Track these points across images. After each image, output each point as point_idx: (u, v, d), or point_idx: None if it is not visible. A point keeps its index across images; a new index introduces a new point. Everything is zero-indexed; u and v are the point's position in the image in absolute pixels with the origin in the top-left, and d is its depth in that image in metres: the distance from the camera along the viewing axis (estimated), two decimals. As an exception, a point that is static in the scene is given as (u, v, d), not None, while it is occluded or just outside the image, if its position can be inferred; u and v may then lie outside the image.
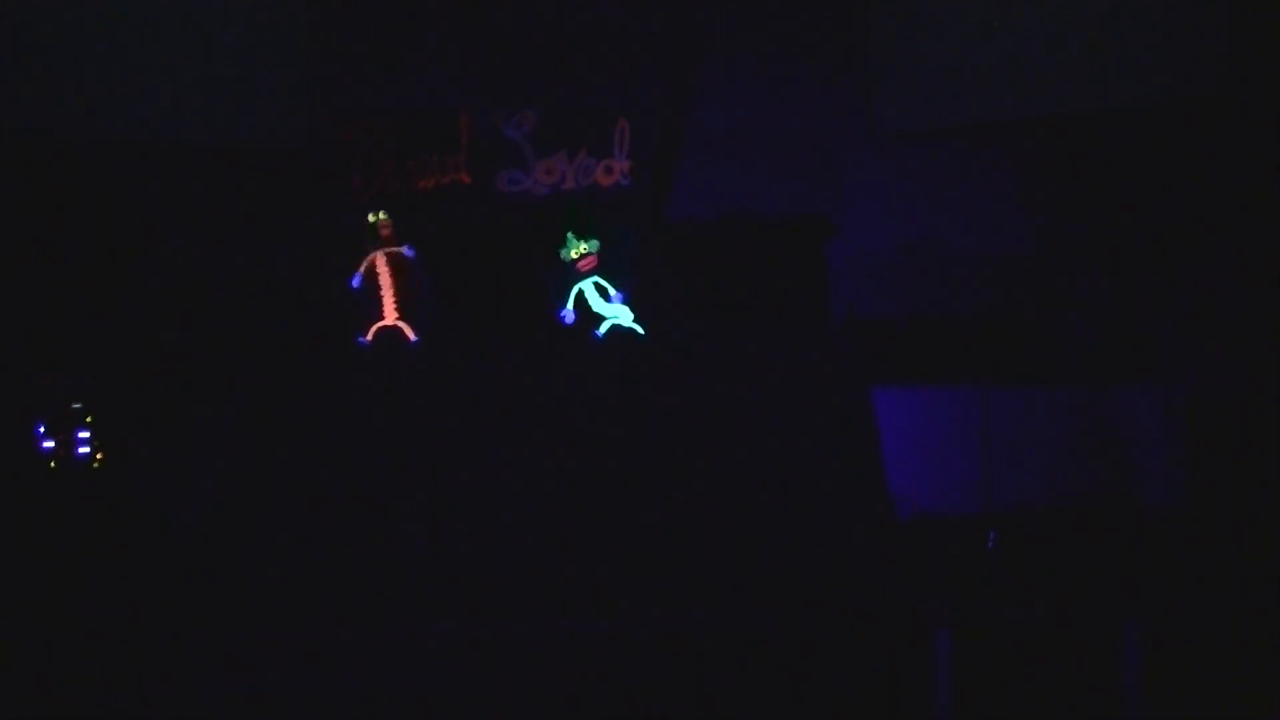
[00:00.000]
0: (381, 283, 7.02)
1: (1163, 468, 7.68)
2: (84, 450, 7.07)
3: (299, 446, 6.56)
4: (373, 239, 7.08)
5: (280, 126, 8.76)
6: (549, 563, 6.29)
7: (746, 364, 6.79)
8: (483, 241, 7.50)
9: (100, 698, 5.36)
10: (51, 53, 8.29)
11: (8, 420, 7.08)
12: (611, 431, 6.57)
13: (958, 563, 6.29)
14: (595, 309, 6.96)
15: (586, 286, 7.00)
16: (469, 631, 5.90)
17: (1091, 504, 7.49)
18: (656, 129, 7.55)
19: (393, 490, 6.47)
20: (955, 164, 9.01)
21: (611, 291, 6.97)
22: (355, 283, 7.04)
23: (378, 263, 7.05)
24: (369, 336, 7.05)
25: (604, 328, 6.97)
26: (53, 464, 7.01)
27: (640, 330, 6.95)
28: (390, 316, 7.04)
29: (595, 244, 7.00)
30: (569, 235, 7.01)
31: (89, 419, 7.12)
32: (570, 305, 6.99)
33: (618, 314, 6.97)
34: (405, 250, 7.05)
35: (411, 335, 7.06)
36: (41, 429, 7.04)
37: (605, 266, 7.01)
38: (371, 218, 7.07)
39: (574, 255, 6.99)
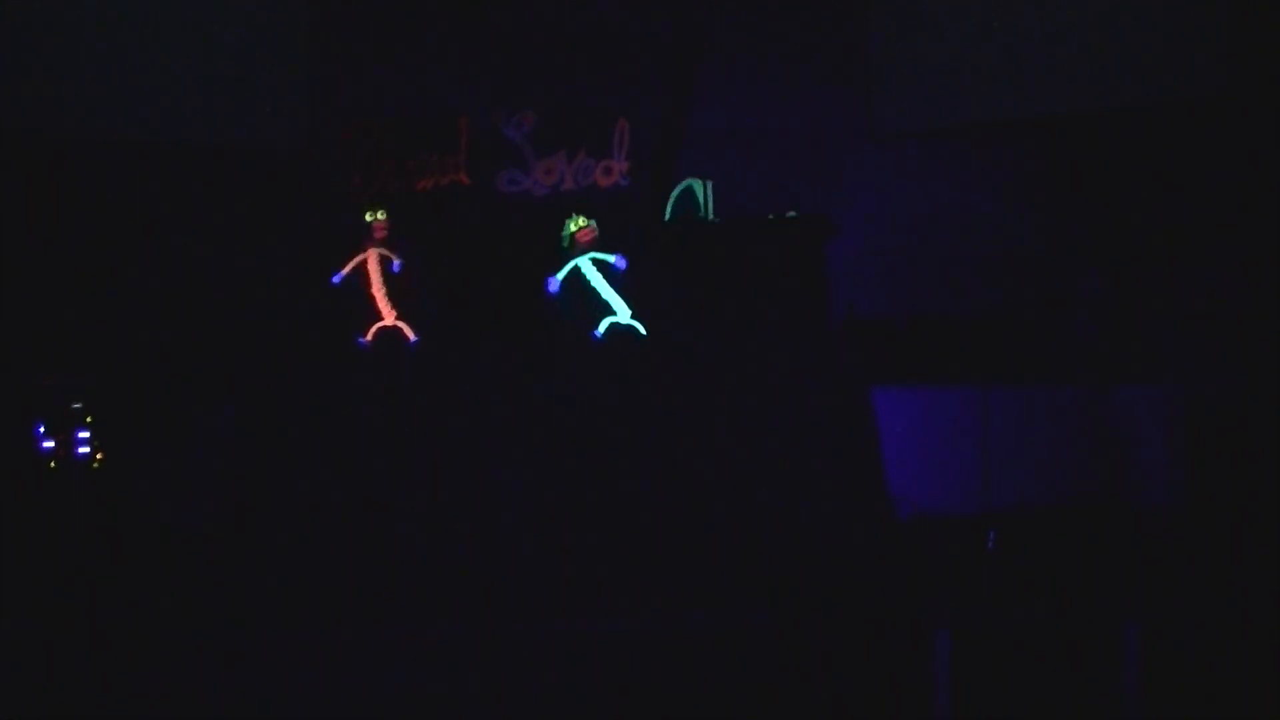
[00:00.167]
0: (372, 281, 7.00)
1: (1163, 468, 7.68)
2: (84, 450, 7.07)
3: (299, 446, 6.55)
4: (367, 236, 7.05)
5: (280, 126, 8.77)
6: (549, 563, 6.29)
7: (746, 364, 6.79)
8: (483, 241, 7.50)
9: (100, 698, 5.36)
10: (51, 53, 8.29)
11: (8, 420, 7.08)
12: (611, 431, 6.57)
13: (958, 563, 6.28)
14: (593, 284, 6.94)
15: (584, 262, 6.98)
16: (469, 632, 5.90)
17: (1092, 504, 7.49)
18: (656, 129, 7.54)
19: (393, 490, 6.46)
20: (955, 164, 9.01)
21: (612, 259, 6.96)
22: (336, 279, 6.99)
23: (369, 261, 7.02)
24: (369, 336, 7.05)
25: (603, 327, 6.97)
26: (53, 464, 7.01)
27: (640, 328, 6.95)
28: (389, 316, 7.04)
29: (593, 221, 7.03)
30: (573, 213, 7.06)
31: (89, 419, 7.12)
32: (560, 277, 6.97)
33: (614, 302, 6.96)
34: (394, 264, 7.01)
35: (411, 335, 7.06)
36: (41, 429, 7.04)
37: (605, 241, 7.03)
38: (369, 215, 7.04)
39: (572, 229, 7.00)
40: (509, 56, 8.80)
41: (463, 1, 8.91)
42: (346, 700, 5.45)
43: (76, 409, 7.12)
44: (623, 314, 6.98)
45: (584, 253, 6.96)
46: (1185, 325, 8.25)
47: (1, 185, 8.10)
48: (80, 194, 8.32)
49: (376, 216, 7.03)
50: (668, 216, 7.61)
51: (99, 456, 7.12)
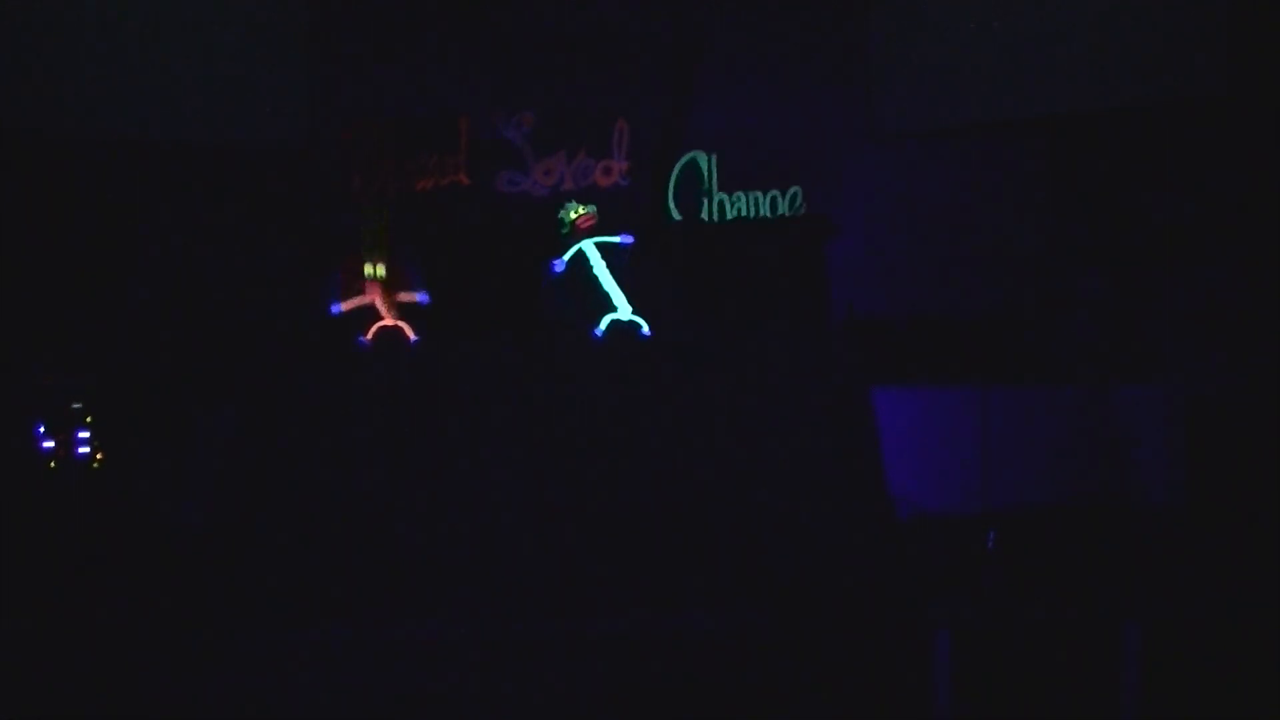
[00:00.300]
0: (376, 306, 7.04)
1: (1163, 468, 7.67)
2: (84, 450, 7.07)
3: (299, 446, 6.55)
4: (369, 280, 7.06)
5: (280, 126, 8.77)
6: (549, 563, 6.29)
7: (746, 364, 6.79)
8: (482, 242, 7.50)
9: (100, 698, 5.36)
10: (51, 53, 8.29)
11: (8, 420, 7.07)
12: (611, 431, 6.57)
13: (958, 563, 6.28)
14: (596, 272, 6.96)
15: (587, 246, 6.99)
16: (469, 632, 5.90)
17: (1091, 504, 7.48)
18: (656, 129, 7.54)
19: (393, 490, 6.46)
20: (955, 164, 9.00)
21: (617, 239, 6.98)
22: (336, 310, 7.00)
23: (375, 298, 7.04)
24: (369, 336, 7.06)
25: (604, 324, 6.98)
26: (53, 464, 7.01)
27: (642, 323, 6.96)
28: (389, 316, 7.05)
29: (594, 206, 7.04)
30: (571, 200, 7.07)
31: (89, 419, 7.12)
32: (566, 259, 6.98)
33: (615, 296, 6.96)
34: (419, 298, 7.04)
35: (411, 335, 7.07)
36: (41, 429, 7.04)
37: (606, 226, 7.04)
38: (369, 270, 7.01)
39: (573, 216, 7.02)
40: (509, 56, 8.80)
41: (463, 1, 8.90)
42: (347, 700, 5.45)
43: (76, 409, 7.11)
44: (624, 310, 6.98)
45: (586, 237, 6.99)
46: (1185, 325, 8.25)
47: (1, 185, 8.10)
48: (80, 194, 8.32)
49: (379, 274, 7.00)
50: (671, 192, 7.55)
51: (99, 456, 7.12)
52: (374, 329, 7.05)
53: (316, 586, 6.17)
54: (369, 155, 7.54)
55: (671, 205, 7.46)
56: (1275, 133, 8.04)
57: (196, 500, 6.89)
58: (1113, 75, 8.45)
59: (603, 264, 6.97)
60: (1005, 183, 8.87)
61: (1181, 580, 6.11)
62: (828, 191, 7.96)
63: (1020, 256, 8.76)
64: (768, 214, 7.49)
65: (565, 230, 7.04)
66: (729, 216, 7.50)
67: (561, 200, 7.36)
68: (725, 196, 7.50)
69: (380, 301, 6.98)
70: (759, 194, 7.50)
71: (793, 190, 7.51)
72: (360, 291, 6.98)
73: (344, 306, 6.98)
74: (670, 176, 7.49)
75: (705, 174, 7.53)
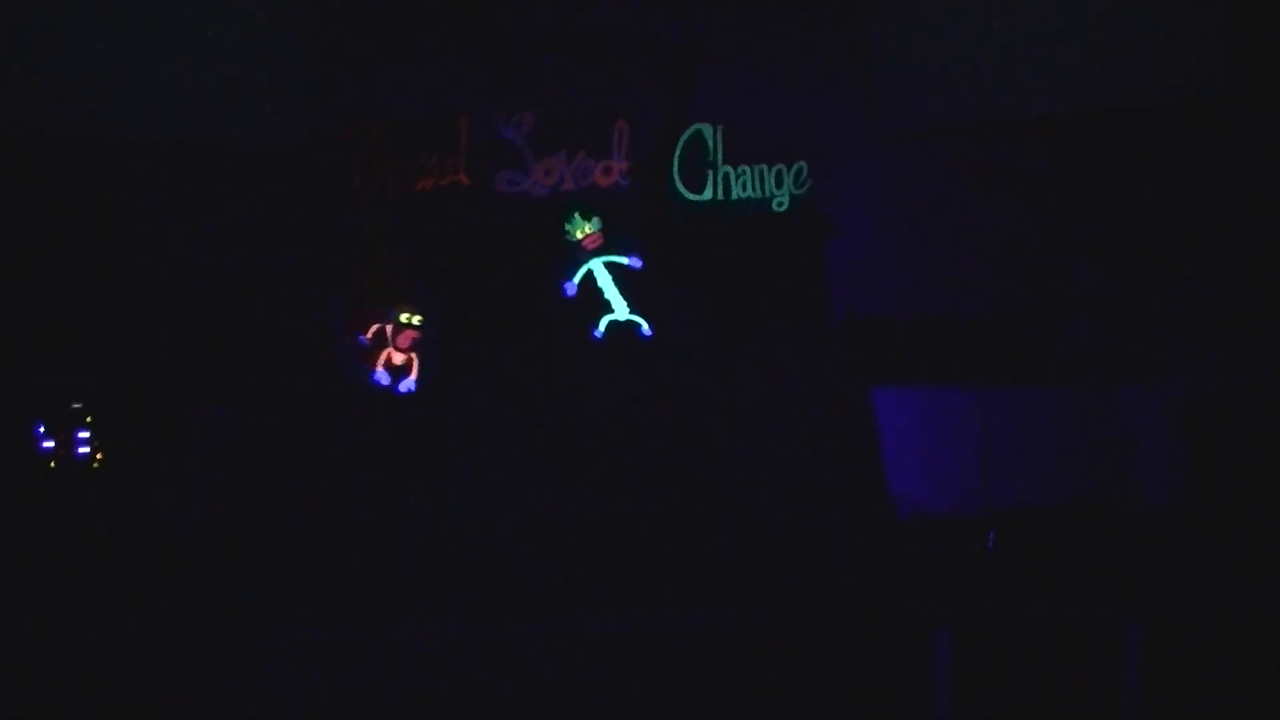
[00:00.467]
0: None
1: (1163, 468, 7.67)
2: (84, 450, 7.07)
3: (299, 446, 6.56)
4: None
5: (280, 127, 8.76)
6: (549, 563, 6.29)
7: (746, 363, 6.80)
8: (482, 242, 7.50)
9: (100, 698, 5.36)
10: (52, 53, 8.28)
11: (8, 420, 7.07)
12: (611, 431, 6.58)
13: (958, 563, 6.28)
14: (603, 288, 6.99)
15: (596, 266, 7.03)
16: (469, 631, 5.89)
17: (1092, 504, 7.48)
18: (656, 129, 7.54)
19: (392, 490, 6.46)
20: (955, 164, 9.00)
21: (626, 260, 7.02)
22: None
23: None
24: (369, 336, 7.06)
25: (603, 325, 6.98)
26: (53, 464, 7.01)
27: (641, 322, 6.97)
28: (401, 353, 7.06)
29: (598, 223, 7.06)
30: (574, 215, 7.07)
31: (89, 419, 7.12)
32: (576, 280, 7.02)
33: (617, 305, 6.99)
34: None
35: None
36: (41, 429, 7.03)
37: (612, 242, 7.05)
38: (405, 319, 7.03)
39: (579, 235, 7.04)
40: (509, 56, 8.80)
41: (463, 1, 8.90)
42: (347, 700, 5.45)
43: (76, 409, 7.11)
44: (621, 311, 6.99)
45: (593, 257, 7.03)
46: (1185, 325, 8.25)
47: (1, 185, 8.09)
48: (80, 194, 8.31)
49: (412, 323, 7.02)
50: (676, 165, 7.48)
51: (99, 456, 7.11)
52: (374, 329, 7.05)
53: (316, 586, 6.18)
54: (369, 155, 7.54)
55: (677, 180, 7.39)
56: (1275, 133, 8.04)
57: (196, 501, 6.89)
58: (1113, 75, 8.45)
59: (610, 281, 7.02)
60: (1005, 183, 8.87)
61: (1181, 580, 6.11)
62: (828, 191, 7.94)
63: (1020, 256, 8.76)
64: (774, 188, 7.42)
65: (570, 241, 7.07)
66: (734, 193, 7.44)
67: (562, 200, 7.35)
68: (730, 169, 7.44)
69: (405, 345, 7.01)
70: (764, 167, 7.44)
71: (798, 165, 7.44)
72: (370, 315, 7.00)
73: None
74: (675, 151, 7.43)
75: (710, 145, 7.47)
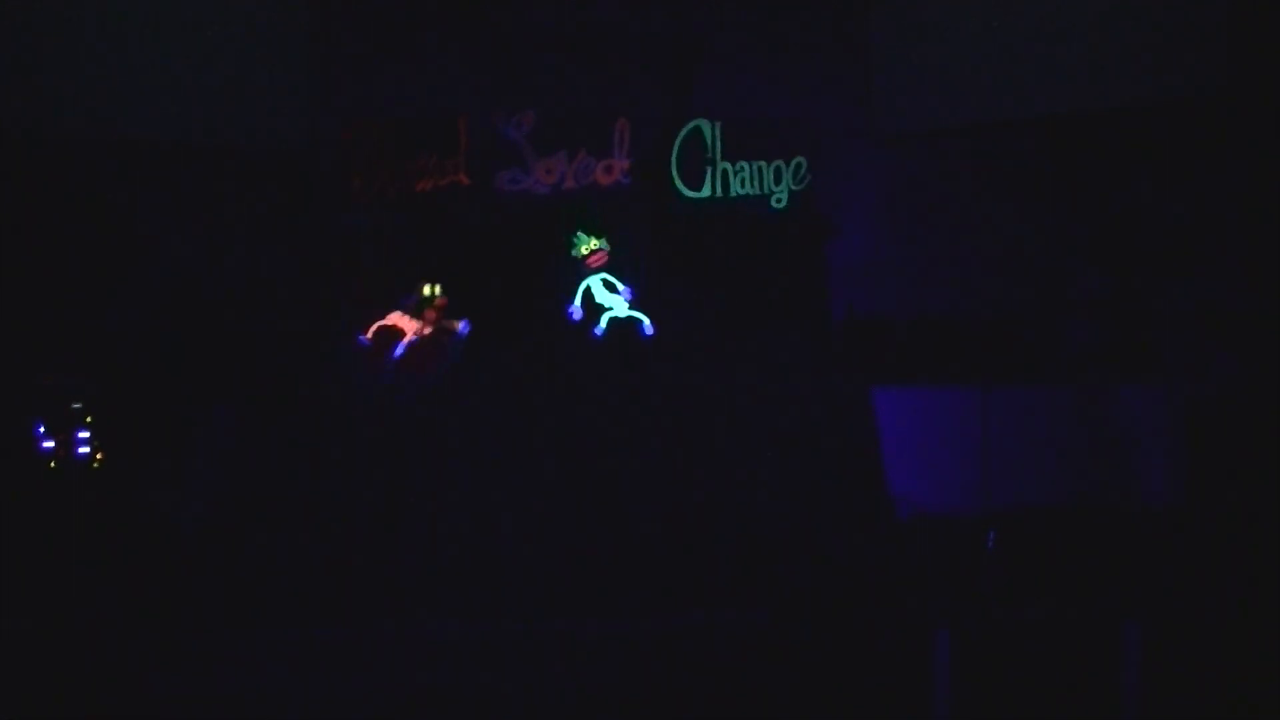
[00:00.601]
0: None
1: (1163, 468, 7.67)
2: (84, 450, 7.07)
3: (299, 446, 6.56)
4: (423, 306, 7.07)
5: (280, 127, 8.76)
6: (549, 563, 6.29)
7: (746, 363, 6.80)
8: (483, 241, 7.50)
9: (100, 698, 5.36)
10: (53, 54, 8.28)
11: (8, 420, 7.07)
12: (611, 431, 6.58)
13: (958, 563, 6.28)
14: (599, 301, 7.02)
15: (594, 283, 7.06)
16: (469, 631, 5.90)
17: (1091, 504, 7.48)
18: (656, 129, 7.54)
19: (393, 490, 6.47)
20: (955, 164, 9.00)
21: (620, 286, 7.04)
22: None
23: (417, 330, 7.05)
24: (369, 336, 7.06)
25: (603, 321, 6.99)
26: (53, 464, 7.01)
27: (643, 318, 6.98)
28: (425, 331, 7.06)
29: (604, 241, 7.08)
30: (579, 233, 7.08)
31: (89, 419, 7.12)
32: (579, 302, 7.05)
33: (615, 305, 7.01)
34: (460, 327, 7.07)
35: (410, 335, 7.07)
36: (41, 429, 7.03)
37: (614, 264, 7.07)
38: (428, 290, 7.04)
39: (584, 251, 7.06)
40: (509, 56, 8.80)
41: (463, 1, 8.90)
42: (347, 699, 5.45)
43: (76, 409, 7.11)
44: (620, 308, 7.00)
45: (594, 274, 7.07)
46: (1185, 325, 8.25)
47: (1, 185, 8.09)
48: (80, 194, 8.31)
49: (435, 292, 7.04)
50: (674, 162, 7.47)
51: (99, 456, 7.11)
52: (374, 329, 7.06)
53: (316, 586, 6.17)
54: (369, 155, 7.54)
55: (676, 178, 7.37)
56: (1275, 133, 8.04)
57: (196, 500, 6.89)
58: (1113, 75, 8.45)
59: (606, 294, 7.05)
60: (1005, 183, 8.87)
61: (1181, 580, 6.11)
62: (828, 192, 7.94)
63: (1020, 256, 8.76)
64: (773, 185, 7.40)
65: (574, 257, 7.10)
66: (732, 190, 7.42)
67: (563, 198, 7.36)
68: (729, 166, 7.41)
69: (426, 326, 7.00)
70: (763, 163, 7.42)
71: (796, 160, 7.41)
72: (372, 313, 6.99)
73: (368, 335, 7.00)
74: (674, 147, 7.41)
75: (709, 142, 7.44)
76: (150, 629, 5.84)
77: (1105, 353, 8.38)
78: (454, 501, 6.44)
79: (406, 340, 6.96)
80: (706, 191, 7.45)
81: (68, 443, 7.04)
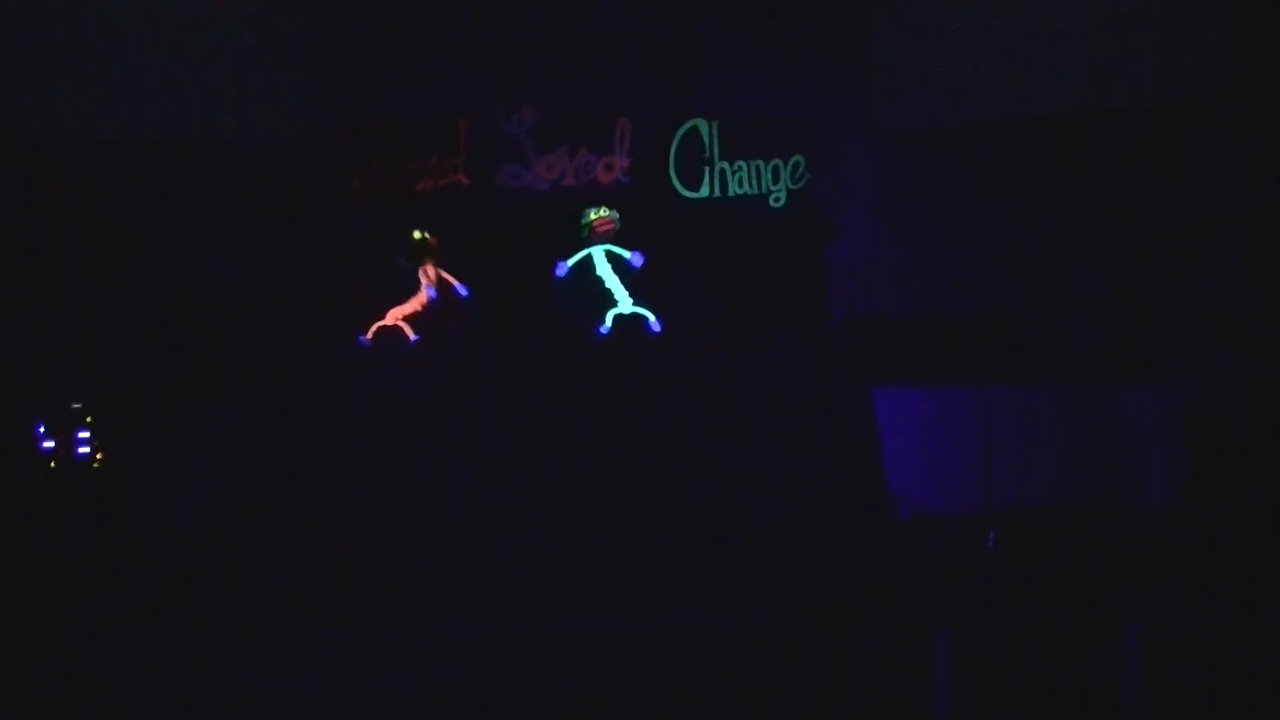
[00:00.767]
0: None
1: (1163, 468, 7.67)
2: (84, 450, 7.07)
3: (298, 446, 6.56)
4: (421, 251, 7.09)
5: (281, 127, 8.77)
6: (549, 563, 6.29)
7: (746, 363, 6.79)
8: (483, 240, 7.50)
9: (100, 698, 5.36)
10: (53, 54, 8.29)
11: (8, 420, 7.08)
12: (611, 431, 6.57)
13: (958, 563, 6.28)
14: (599, 274, 6.98)
15: (597, 253, 7.02)
16: (469, 631, 5.90)
17: (1091, 504, 7.48)
18: (656, 128, 7.53)
19: (392, 490, 6.46)
20: (955, 164, 9.00)
21: (627, 255, 7.01)
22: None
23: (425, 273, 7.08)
24: (369, 336, 7.06)
25: (609, 319, 6.97)
26: (53, 464, 7.01)
27: (648, 315, 6.96)
28: (393, 318, 7.07)
29: (615, 213, 7.06)
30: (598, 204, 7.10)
31: (89, 419, 7.12)
32: (571, 263, 7.01)
33: (617, 291, 6.98)
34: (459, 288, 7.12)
35: (411, 335, 7.07)
36: (41, 429, 7.04)
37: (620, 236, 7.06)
38: (418, 235, 7.07)
39: (591, 218, 7.04)
40: (509, 56, 8.80)
41: (463, 1, 8.91)
42: (347, 699, 5.44)
43: (76, 409, 7.12)
44: (625, 303, 6.98)
45: (600, 243, 7.02)
46: (1185, 325, 8.24)
47: (1, 185, 8.10)
48: (80, 194, 8.32)
49: (426, 236, 7.06)
50: (672, 162, 7.46)
51: (99, 456, 7.12)
52: (374, 329, 7.06)
53: (316, 586, 6.17)
54: (369, 156, 7.54)
55: (674, 177, 7.36)
56: (1275, 133, 8.04)
57: (196, 500, 6.89)
58: (1113, 75, 8.46)
59: (608, 267, 7.00)
60: (1005, 183, 8.87)
61: (1181, 580, 6.11)
62: (828, 191, 7.93)
63: (1020, 256, 8.76)
64: (771, 184, 7.38)
65: (584, 234, 7.08)
66: (730, 190, 7.41)
67: (563, 195, 7.36)
68: (726, 165, 7.40)
69: (426, 277, 7.02)
70: (760, 162, 7.40)
71: (794, 159, 7.39)
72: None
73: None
74: (671, 147, 7.40)
75: (707, 142, 7.41)
76: (150, 629, 5.84)
77: (1105, 353, 8.37)
78: (454, 501, 6.44)
79: (427, 293, 6.99)
80: (705, 192, 7.44)
81: (68, 443, 7.05)
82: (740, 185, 7.44)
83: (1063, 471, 7.70)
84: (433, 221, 7.35)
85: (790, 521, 6.39)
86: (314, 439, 6.56)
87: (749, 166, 7.44)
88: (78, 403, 7.13)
